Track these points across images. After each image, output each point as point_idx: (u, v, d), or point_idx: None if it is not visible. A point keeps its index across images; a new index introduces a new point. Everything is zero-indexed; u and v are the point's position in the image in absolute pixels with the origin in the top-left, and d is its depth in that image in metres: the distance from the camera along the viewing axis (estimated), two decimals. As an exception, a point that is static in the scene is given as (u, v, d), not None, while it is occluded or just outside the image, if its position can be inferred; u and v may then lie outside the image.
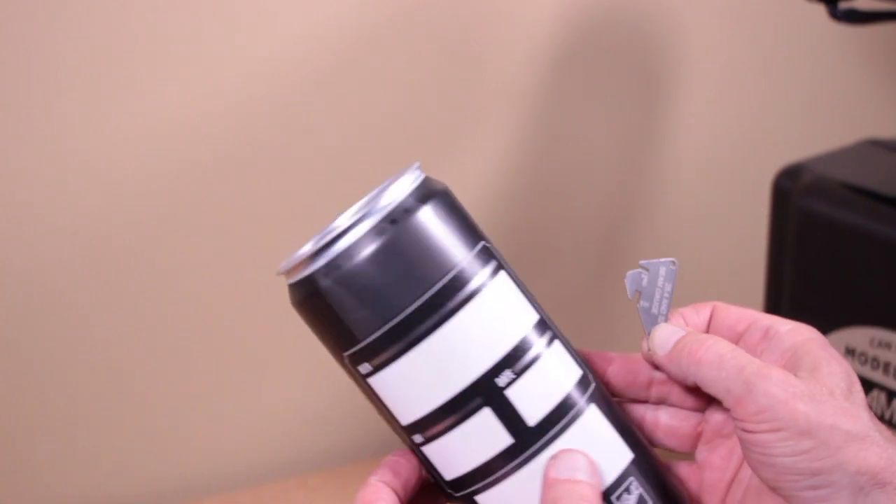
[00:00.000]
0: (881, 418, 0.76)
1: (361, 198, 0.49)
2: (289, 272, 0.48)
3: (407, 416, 0.47)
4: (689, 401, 0.54)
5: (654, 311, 0.54)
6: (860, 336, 0.84)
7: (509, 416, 0.46)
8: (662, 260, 0.54)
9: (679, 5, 1.09)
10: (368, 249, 0.45)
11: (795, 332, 0.51)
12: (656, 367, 0.53)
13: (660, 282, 0.54)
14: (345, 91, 0.98)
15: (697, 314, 0.54)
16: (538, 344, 0.48)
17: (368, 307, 0.46)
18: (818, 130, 1.17)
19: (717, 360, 0.49)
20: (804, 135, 1.17)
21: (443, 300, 0.46)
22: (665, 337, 0.52)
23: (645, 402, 0.54)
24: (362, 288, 0.45)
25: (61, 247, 0.93)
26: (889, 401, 0.83)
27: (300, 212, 1.00)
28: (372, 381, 0.47)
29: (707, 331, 0.53)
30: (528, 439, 0.47)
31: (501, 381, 0.46)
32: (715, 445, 0.53)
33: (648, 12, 1.08)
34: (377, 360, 0.46)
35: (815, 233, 0.86)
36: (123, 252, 0.95)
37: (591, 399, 0.49)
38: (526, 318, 0.48)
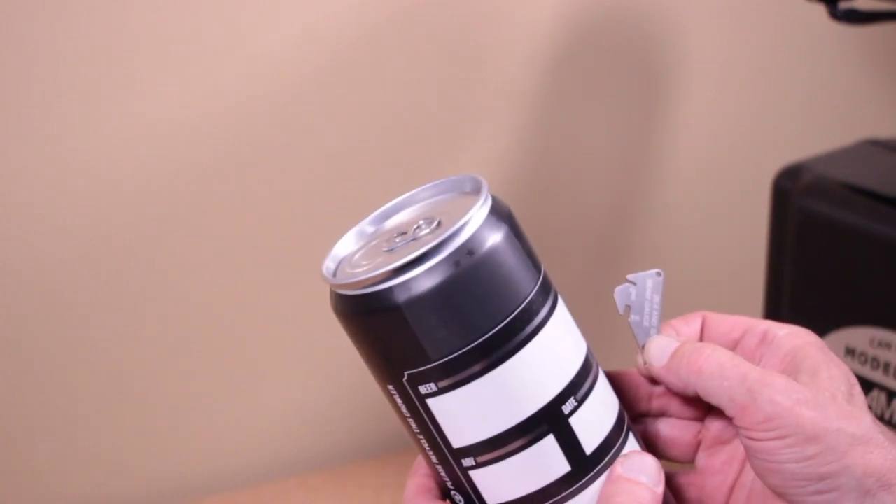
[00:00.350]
0: (881, 418, 0.76)
1: (416, 189, 0.50)
2: (356, 283, 0.45)
3: (462, 440, 0.46)
4: (689, 411, 0.53)
5: (646, 323, 0.53)
6: (860, 336, 0.84)
7: (571, 443, 0.47)
8: (648, 272, 0.53)
9: (679, 5, 1.09)
10: (454, 271, 0.44)
11: (793, 336, 0.51)
12: (653, 380, 0.52)
13: (648, 294, 0.53)
14: (345, 91, 0.98)
15: (688, 325, 0.53)
16: (593, 370, 0.49)
17: (449, 328, 0.44)
18: (818, 130, 1.17)
19: (718, 369, 0.48)
20: (804, 135, 1.17)
21: (521, 325, 0.46)
22: (661, 348, 0.52)
23: (646, 415, 0.54)
24: (445, 308, 0.44)
25: (61, 247, 0.93)
26: (889, 401, 0.83)
27: (300, 212, 1.00)
28: (432, 401, 0.46)
29: (701, 341, 0.53)
30: (584, 467, 0.47)
31: (567, 408, 0.47)
32: (715, 451, 0.53)
33: (648, 12, 1.08)
34: (446, 382, 0.45)
35: (815, 233, 0.86)
36: (123, 252, 0.95)
37: (629, 428, 0.50)
38: (582, 343, 0.49)
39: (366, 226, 0.51)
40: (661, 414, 0.54)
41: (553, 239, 1.09)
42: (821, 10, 0.86)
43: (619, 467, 0.48)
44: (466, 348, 0.45)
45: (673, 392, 0.52)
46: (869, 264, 0.82)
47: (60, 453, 0.97)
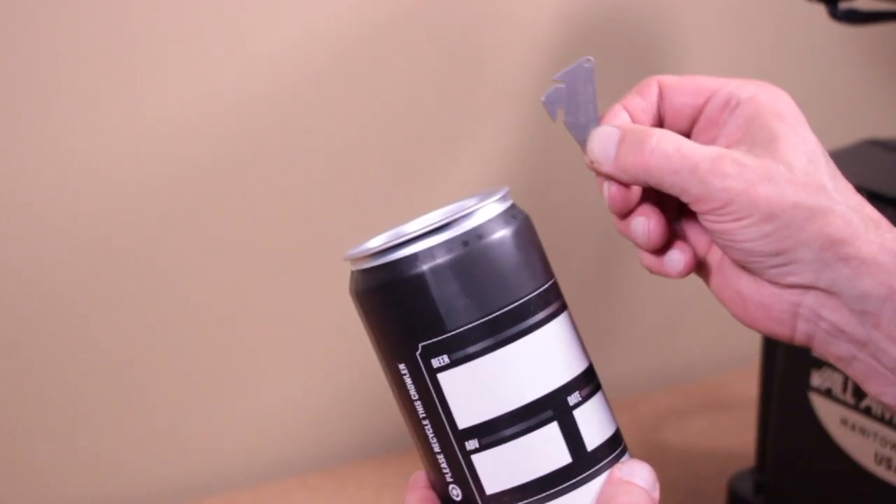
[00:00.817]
0: (881, 418, 0.76)
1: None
2: (373, 255, 0.47)
3: (470, 419, 0.47)
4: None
5: (583, 120, 0.50)
6: (860, 336, 0.84)
7: (573, 435, 0.47)
8: (575, 64, 0.51)
9: (679, 5, 1.09)
10: (487, 240, 0.47)
11: (753, 101, 0.49)
12: (609, 178, 0.50)
13: (580, 87, 0.51)
14: (345, 91, 0.98)
15: (644, 100, 0.52)
16: (596, 380, 0.50)
17: (470, 296, 0.46)
18: (818, 130, 1.17)
19: (666, 163, 0.47)
20: (804, 135, 1.17)
21: (535, 310, 0.47)
22: (602, 141, 0.50)
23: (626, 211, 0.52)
24: (466, 276, 0.46)
25: (61, 247, 0.93)
26: (889, 401, 0.83)
27: (300, 212, 1.00)
28: (443, 376, 0.47)
29: (660, 112, 0.51)
30: (584, 462, 0.48)
31: (572, 399, 0.47)
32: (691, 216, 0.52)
33: (648, 12, 1.08)
34: (460, 354, 0.46)
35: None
36: (123, 252, 0.95)
37: (626, 447, 0.50)
38: (587, 356, 0.50)
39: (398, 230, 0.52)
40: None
41: (553, 239, 1.09)
42: (821, 10, 0.86)
43: (618, 471, 0.48)
44: (481, 320, 0.46)
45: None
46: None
47: (60, 453, 0.97)
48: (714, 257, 0.52)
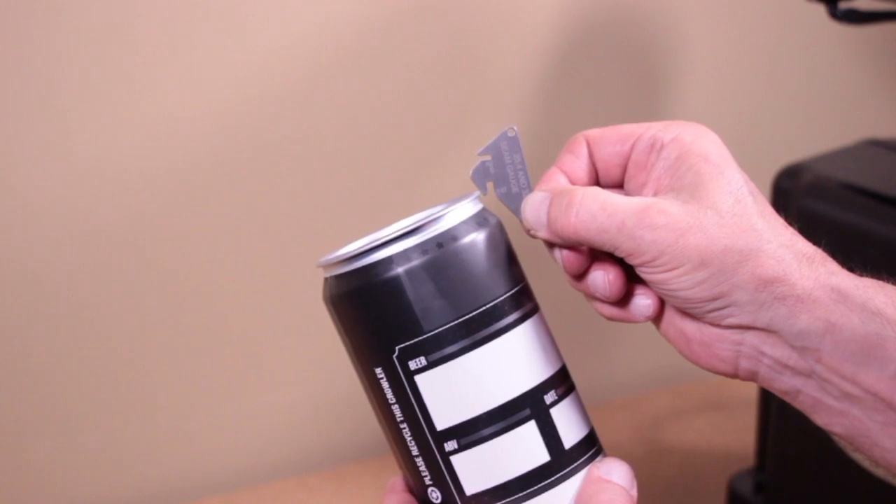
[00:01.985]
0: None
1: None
2: (347, 259, 0.47)
3: (447, 420, 0.48)
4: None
5: (516, 189, 0.50)
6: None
7: (550, 433, 0.48)
8: (498, 135, 0.50)
9: (679, 5, 1.09)
10: (460, 242, 0.47)
11: (677, 143, 0.49)
12: (548, 243, 0.50)
13: (507, 158, 0.51)
14: (345, 91, 0.98)
15: (576, 157, 0.51)
16: (570, 381, 0.50)
17: (445, 297, 0.46)
18: (818, 130, 1.17)
19: (594, 223, 0.47)
20: (804, 135, 1.17)
21: (514, 306, 0.47)
22: (534, 209, 0.50)
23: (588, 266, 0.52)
24: (440, 278, 0.46)
25: (62, 247, 0.93)
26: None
27: (301, 212, 1.00)
28: (420, 378, 0.47)
29: (591, 170, 0.51)
30: (562, 460, 0.48)
31: (548, 398, 0.48)
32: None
33: (648, 13, 1.08)
34: (437, 355, 0.47)
35: (815, 233, 0.86)
36: (124, 252, 0.95)
37: (602, 448, 0.51)
38: (560, 356, 0.50)
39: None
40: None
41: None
42: (821, 10, 0.86)
43: (596, 470, 0.48)
44: (457, 321, 0.46)
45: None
46: (869, 264, 0.82)
47: (60, 453, 0.97)
48: (658, 298, 0.52)
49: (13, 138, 0.90)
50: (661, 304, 0.50)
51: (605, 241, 0.47)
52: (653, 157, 0.49)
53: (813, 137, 1.14)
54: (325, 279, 0.49)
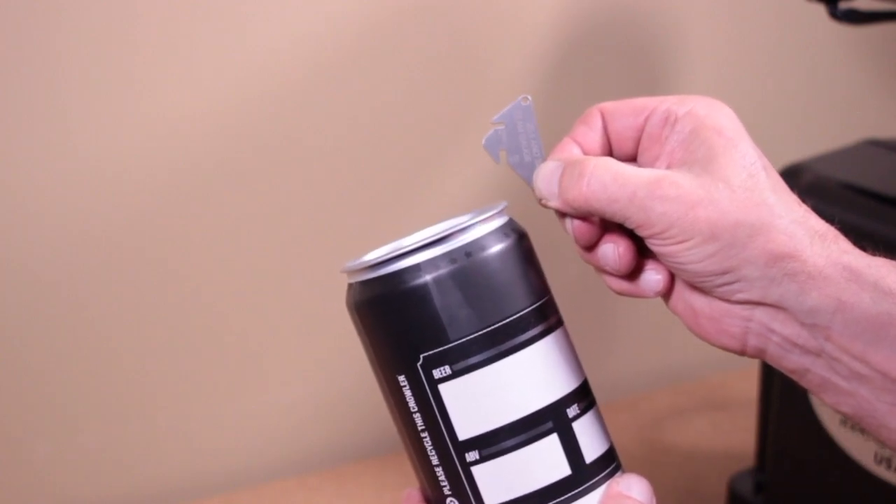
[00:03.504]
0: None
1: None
2: (374, 266, 0.47)
3: (470, 430, 0.47)
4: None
5: (528, 158, 0.50)
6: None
7: (572, 447, 0.48)
8: (513, 104, 0.50)
9: (679, 5, 1.09)
10: (489, 252, 0.47)
11: (691, 116, 0.49)
12: (559, 212, 0.50)
13: (519, 127, 0.50)
14: (345, 91, 0.98)
15: (591, 129, 0.51)
16: (591, 395, 0.50)
17: (472, 306, 0.46)
18: (818, 130, 1.17)
19: (604, 193, 0.47)
20: (804, 135, 1.17)
21: (540, 318, 0.48)
22: (546, 178, 0.50)
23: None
24: (470, 286, 0.46)
25: (62, 247, 0.93)
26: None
27: (301, 212, 1.00)
28: (444, 387, 0.47)
29: (605, 142, 0.51)
30: (583, 475, 0.48)
31: (571, 412, 0.48)
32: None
33: (648, 12, 1.08)
34: (462, 364, 0.47)
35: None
36: (124, 252, 0.95)
37: (621, 464, 0.51)
38: (582, 371, 0.51)
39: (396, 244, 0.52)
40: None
41: (554, 238, 1.09)
42: (821, 10, 0.86)
43: (616, 485, 0.48)
44: (483, 331, 0.46)
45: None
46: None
47: (60, 453, 0.97)
48: (668, 273, 0.52)
49: (13, 138, 0.90)
50: (672, 279, 0.50)
51: (615, 211, 0.47)
52: (666, 131, 0.49)
53: (813, 137, 1.14)
54: (350, 285, 0.49)
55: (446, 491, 0.49)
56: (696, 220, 0.46)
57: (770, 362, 0.49)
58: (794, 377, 0.49)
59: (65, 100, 0.90)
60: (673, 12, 1.09)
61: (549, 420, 0.47)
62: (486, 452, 0.47)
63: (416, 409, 0.48)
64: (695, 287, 0.48)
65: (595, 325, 1.14)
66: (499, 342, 0.47)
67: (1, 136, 0.89)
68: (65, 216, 0.92)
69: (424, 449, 0.49)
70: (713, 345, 0.50)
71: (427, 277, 0.46)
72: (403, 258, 0.47)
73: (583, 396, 0.49)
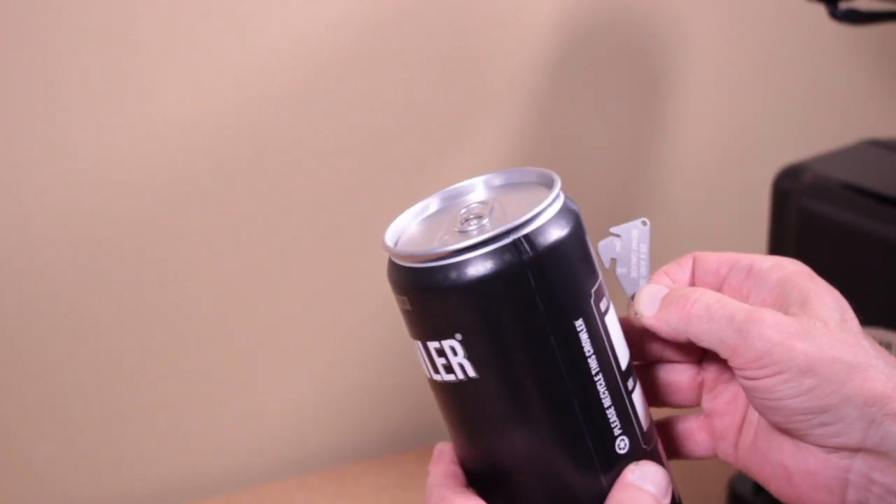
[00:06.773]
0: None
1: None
2: (551, 215, 0.48)
3: (623, 358, 0.49)
4: (685, 355, 0.53)
5: (634, 274, 0.53)
6: (860, 336, 0.83)
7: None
8: (633, 222, 0.53)
9: (679, 6, 1.09)
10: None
11: (778, 267, 0.49)
12: (646, 330, 0.51)
13: (634, 245, 0.53)
14: (345, 91, 0.98)
15: (681, 268, 0.53)
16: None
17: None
18: (818, 130, 1.17)
19: (706, 313, 0.48)
20: (804, 135, 1.17)
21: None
22: (650, 297, 0.51)
23: (644, 364, 0.54)
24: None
25: (62, 247, 0.93)
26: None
27: (301, 212, 1.00)
28: (608, 317, 0.49)
29: (692, 282, 0.52)
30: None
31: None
32: (718, 392, 0.53)
33: (648, 13, 1.08)
34: (607, 295, 0.50)
35: (815, 233, 0.86)
36: (124, 252, 0.95)
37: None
38: None
39: (431, 202, 0.55)
40: (658, 361, 0.54)
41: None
42: (821, 10, 0.86)
43: (630, 475, 0.48)
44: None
45: (666, 340, 0.51)
46: (869, 264, 0.82)
47: (60, 453, 0.97)
48: (746, 437, 0.52)
49: (13, 138, 0.90)
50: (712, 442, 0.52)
51: (712, 331, 0.47)
52: (750, 282, 0.50)
53: (813, 137, 1.14)
54: (519, 239, 0.47)
55: (616, 431, 0.49)
56: (793, 349, 0.45)
57: None
58: None
59: (65, 100, 0.90)
60: (673, 12, 1.09)
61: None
62: (633, 379, 0.49)
63: (590, 351, 0.48)
64: (785, 433, 0.48)
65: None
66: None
67: (1, 136, 0.89)
68: (65, 216, 0.92)
69: (597, 394, 0.48)
70: None
71: (573, 229, 0.48)
72: (559, 211, 0.48)
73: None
